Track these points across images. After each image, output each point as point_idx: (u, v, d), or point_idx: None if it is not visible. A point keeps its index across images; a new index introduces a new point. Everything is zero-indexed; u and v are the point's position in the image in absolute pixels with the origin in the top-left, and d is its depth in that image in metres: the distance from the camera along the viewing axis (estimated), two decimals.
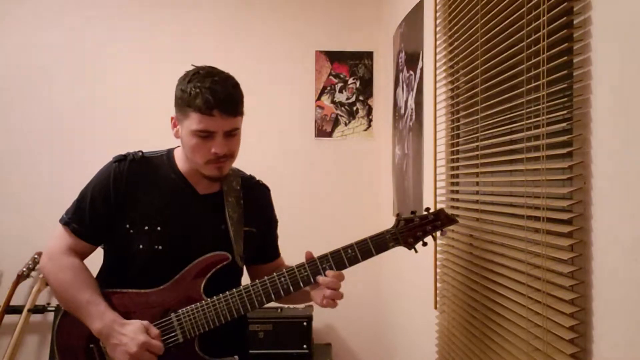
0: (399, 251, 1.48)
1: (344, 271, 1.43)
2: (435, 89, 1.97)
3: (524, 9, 1.25)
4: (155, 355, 1.36)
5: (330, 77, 3.36)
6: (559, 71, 1.13)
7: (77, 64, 3.27)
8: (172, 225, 1.47)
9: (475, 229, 1.64)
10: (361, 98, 3.37)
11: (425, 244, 1.47)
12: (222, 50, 3.29)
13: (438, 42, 1.98)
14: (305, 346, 2.87)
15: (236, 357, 1.48)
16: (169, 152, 1.56)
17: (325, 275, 1.41)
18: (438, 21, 1.98)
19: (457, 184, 1.89)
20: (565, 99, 1.12)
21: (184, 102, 1.40)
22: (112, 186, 1.46)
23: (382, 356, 3.19)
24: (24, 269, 3.06)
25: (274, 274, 1.44)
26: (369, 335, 3.31)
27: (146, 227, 1.45)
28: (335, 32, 3.37)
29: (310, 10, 3.37)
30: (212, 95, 1.36)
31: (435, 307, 1.96)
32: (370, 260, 1.44)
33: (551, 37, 1.13)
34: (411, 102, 2.46)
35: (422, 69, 2.28)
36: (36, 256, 3.06)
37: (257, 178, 1.67)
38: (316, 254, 1.44)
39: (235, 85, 1.44)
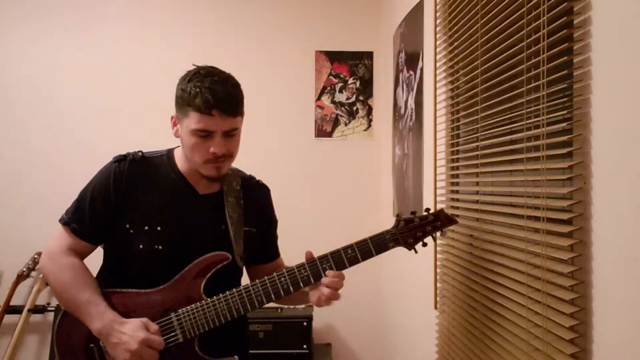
0: (399, 251, 1.48)
1: (344, 271, 1.43)
2: (435, 89, 1.97)
3: (524, 9, 1.25)
4: (156, 350, 1.36)
5: (330, 77, 3.36)
6: (559, 71, 1.13)
7: (77, 64, 3.27)
8: (172, 225, 1.47)
9: (475, 229, 1.64)
10: (361, 98, 3.36)
11: (425, 245, 1.47)
12: (222, 50, 3.29)
13: (438, 42, 1.98)
14: (305, 346, 2.87)
15: (236, 357, 1.48)
16: (169, 152, 1.56)
17: (325, 276, 1.41)
18: (438, 21, 1.98)
19: (457, 184, 1.89)
20: (565, 99, 1.12)
21: (184, 101, 1.40)
22: (112, 186, 1.47)
23: (382, 356, 3.19)
24: (24, 269, 3.06)
25: (274, 274, 1.44)
26: (369, 335, 3.31)
27: (146, 227, 1.45)
28: (335, 32, 3.37)
29: (310, 11, 3.37)
30: (212, 95, 1.36)
31: (435, 307, 1.96)
32: (370, 261, 1.44)
33: (551, 37, 1.13)
34: (411, 102, 2.46)
35: (422, 69, 2.28)
36: (36, 256, 3.06)
37: (257, 178, 1.67)
38: (316, 254, 1.44)
39: (235, 86, 1.44)
